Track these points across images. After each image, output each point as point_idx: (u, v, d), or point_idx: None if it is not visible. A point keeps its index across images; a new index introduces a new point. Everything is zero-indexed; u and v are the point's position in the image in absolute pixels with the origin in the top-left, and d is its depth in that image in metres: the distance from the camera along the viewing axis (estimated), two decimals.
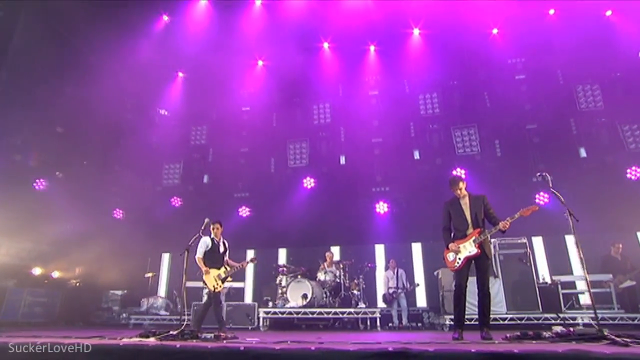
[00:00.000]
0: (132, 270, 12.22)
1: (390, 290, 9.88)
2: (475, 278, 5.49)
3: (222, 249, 6.55)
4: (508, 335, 4.90)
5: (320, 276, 9.10)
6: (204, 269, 6.31)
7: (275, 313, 8.24)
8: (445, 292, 9.28)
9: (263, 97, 13.17)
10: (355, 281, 9.15)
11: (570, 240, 11.17)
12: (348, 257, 10.13)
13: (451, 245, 5.49)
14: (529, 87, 11.42)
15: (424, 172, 12.13)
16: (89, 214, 11.72)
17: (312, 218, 11.54)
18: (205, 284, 6.26)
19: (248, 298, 10.75)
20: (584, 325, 7.87)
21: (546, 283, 8.87)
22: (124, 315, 10.10)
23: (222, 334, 5.03)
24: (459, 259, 5.46)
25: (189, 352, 3.20)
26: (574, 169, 11.07)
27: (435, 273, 10.20)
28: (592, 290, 8.67)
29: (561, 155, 11.17)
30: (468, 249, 5.43)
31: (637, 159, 10.61)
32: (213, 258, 6.41)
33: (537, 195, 11.41)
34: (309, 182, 12.47)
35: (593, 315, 7.83)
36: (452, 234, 5.68)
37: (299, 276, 8.91)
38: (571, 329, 4.62)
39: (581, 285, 9.20)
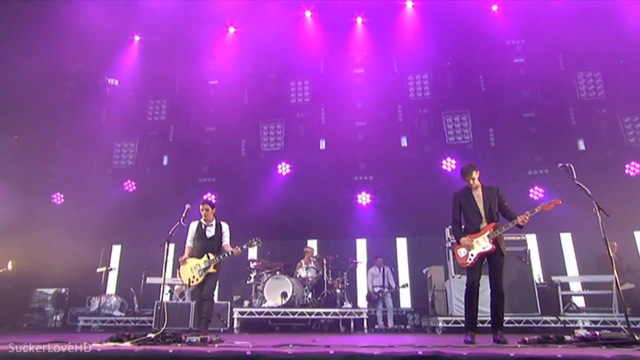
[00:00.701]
0: (75, 264, 11.45)
1: (376, 289, 9.77)
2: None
3: (211, 234, 6.11)
4: (527, 339, 4.77)
5: (301, 272, 8.90)
6: (181, 258, 5.96)
7: (252, 314, 7.97)
8: (436, 292, 9.32)
9: (234, 69, 12.64)
10: (339, 279, 9.00)
11: (565, 238, 11.41)
12: (327, 253, 9.91)
13: (463, 240, 5.43)
14: (528, 71, 11.46)
15: (412, 161, 12.06)
16: (21, 198, 10.84)
17: (286, 208, 11.28)
18: (180, 278, 5.96)
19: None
20: (585, 328, 7.97)
21: (544, 284, 8.95)
22: (57, 317, 9.59)
23: (207, 337, 4.71)
24: (472, 255, 5.41)
25: (187, 358, 2.81)
26: (572, 162, 10.65)
27: (424, 271, 10.26)
28: (592, 293, 9.04)
29: (559, 147, 11.26)
30: (482, 244, 5.39)
31: (636, 153, 10.87)
32: (199, 245, 6.03)
33: (531, 190, 11.56)
34: (284, 168, 12.17)
35: (594, 319, 8.10)
36: (463, 228, 5.61)
37: (278, 272, 8.67)
38: (597, 332, 4.52)
39: (578, 287, 9.33)
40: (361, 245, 11.95)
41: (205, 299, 5.91)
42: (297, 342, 4.24)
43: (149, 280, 9.01)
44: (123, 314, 8.84)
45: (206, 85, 12.89)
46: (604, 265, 9.18)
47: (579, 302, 9.42)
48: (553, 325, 7.96)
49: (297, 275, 8.80)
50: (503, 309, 5.32)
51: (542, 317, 8.11)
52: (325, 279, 8.78)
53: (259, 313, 7.94)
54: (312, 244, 11.84)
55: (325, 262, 8.99)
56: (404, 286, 9.61)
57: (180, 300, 8.75)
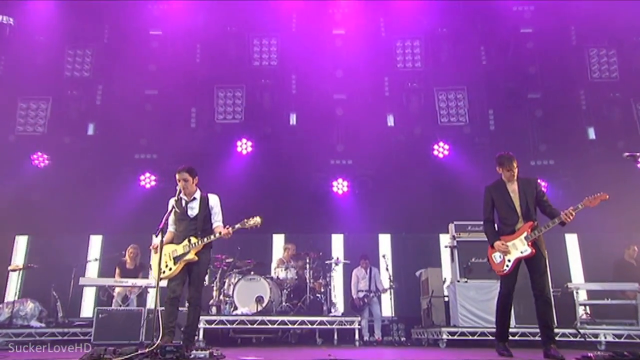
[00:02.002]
0: None
1: (361, 294, 9.66)
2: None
3: (194, 212, 5.59)
4: (591, 355, 4.62)
5: (280, 273, 8.62)
6: (153, 245, 5.46)
7: (222, 323, 7.53)
8: (433, 299, 9.28)
9: (183, 18, 11.82)
10: (320, 281, 8.84)
11: (571, 240, 11.73)
12: (298, 249, 9.65)
13: (498, 245, 5.54)
14: (536, 44, 11.50)
15: (399, 144, 11.96)
16: None
17: (247, 195, 10.81)
18: (151, 269, 5.65)
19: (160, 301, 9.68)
20: (607, 343, 8.13)
21: (557, 290, 9.07)
22: None
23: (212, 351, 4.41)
24: (509, 261, 5.52)
25: None
26: (581, 153, 11.51)
27: (418, 274, 10.23)
28: (612, 302, 9.29)
29: (567, 136, 11.53)
30: (519, 248, 5.49)
31: None
32: (180, 229, 5.53)
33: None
34: (244, 146, 11.70)
35: (617, 332, 8.27)
36: (497, 228, 5.74)
37: (252, 272, 8.36)
38: None
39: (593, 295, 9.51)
40: (337, 241, 11.78)
41: (190, 304, 5.41)
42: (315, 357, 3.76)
43: (83, 281, 8.19)
44: (43, 325, 7.99)
45: (146, 35, 11.87)
46: (621, 272, 9.49)
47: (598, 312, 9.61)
48: (572, 339, 8.04)
49: (277, 277, 8.52)
50: (553, 318, 5.49)
51: (560, 330, 8.10)
52: (308, 281, 8.58)
53: (231, 322, 7.53)
54: (278, 238, 11.66)
55: (308, 260, 8.77)
56: (390, 288, 9.48)
57: (124, 306, 8.14)
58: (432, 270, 9.72)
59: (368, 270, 9.90)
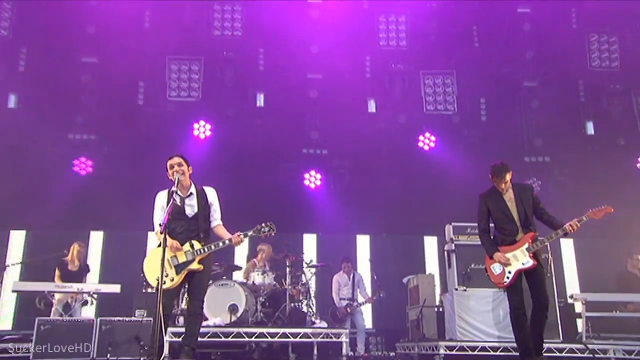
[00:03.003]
0: None
1: (344, 303, 9.60)
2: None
3: (192, 210, 5.40)
4: None
5: (256, 278, 8.46)
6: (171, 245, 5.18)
7: None
8: (425, 309, 9.24)
9: None
10: (299, 287, 8.80)
11: (566, 246, 11.96)
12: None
13: (498, 255, 5.85)
14: (534, 26, 11.58)
15: (380, 133, 11.93)
16: None
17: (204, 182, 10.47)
18: (144, 277, 5.36)
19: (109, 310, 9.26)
20: None
21: (560, 301, 9.15)
22: None
23: None
24: (509, 272, 5.83)
25: None
26: (579, 150, 11.81)
27: (405, 280, 10.24)
28: (620, 315, 9.49)
29: (564, 130, 11.77)
30: (520, 259, 5.84)
31: None
32: (176, 227, 5.27)
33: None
34: (202, 129, 11.43)
35: (627, 348, 8.41)
36: (493, 238, 6.12)
37: (224, 277, 8.40)
38: None
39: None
40: (310, 242, 11.76)
41: (191, 314, 5.30)
42: None
43: (17, 286, 7.70)
44: None
45: None
46: (624, 284, 9.65)
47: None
48: (580, 354, 8.07)
49: (251, 282, 8.37)
50: (544, 326, 5.87)
51: (566, 345, 8.23)
52: (287, 287, 8.54)
53: (203, 334, 7.23)
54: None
55: (288, 264, 8.69)
56: (378, 296, 9.52)
57: (67, 317, 7.72)
58: (423, 276, 9.72)
59: (351, 276, 9.84)
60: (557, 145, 11.85)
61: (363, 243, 11.85)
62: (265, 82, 11.84)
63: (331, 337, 7.92)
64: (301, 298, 8.73)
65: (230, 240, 5.35)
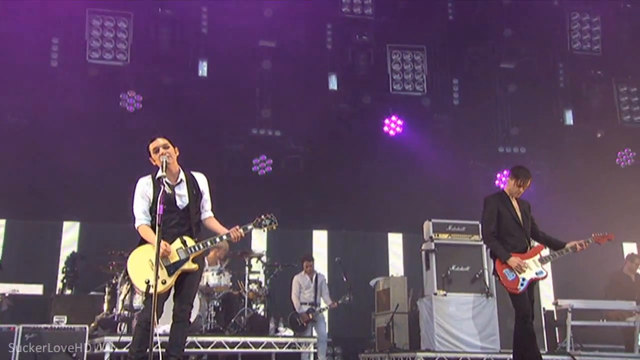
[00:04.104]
0: None
1: (305, 308, 9.58)
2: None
3: (183, 201, 5.24)
4: None
5: (210, 279, 8.25)
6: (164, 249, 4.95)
7: None
8: (397, 315, 9.30)
9: None
10: (256, 289, 8.70)
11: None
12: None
13: (514, 261, 6.12)
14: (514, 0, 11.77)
15: (342, 114, 11.88)
16: None
17: (134, 168, 9.86)
18: (131, 280, 5.26)
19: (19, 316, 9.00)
20: None
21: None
22: None
23: None
24: (523, 279, 6.14)
25: None
26: (556, 141, 12.11)
27: (372, 283, 10.29)
28: (609, 324, 9.66)
29: (542, 118, 12.06)
30: (534, 269, 6.24)
31: (630, 136, 12.04)
32: (165, 220, 4.94)
33: (499, 175, 12.17)
34: (131, 100, 10.85)
35: None
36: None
37: None
38: None
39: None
40: (258, 237, 11.66)
41: (178, 321, 5.15)
42: None
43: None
44: None
45: None
46: (616, 288, 9.89)
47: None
48: None
49: (205, 283, 8.12)
50: None
51: (552, 357, 8.42)
52: (244, 289, 8.45)
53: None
54: None
55: (247, 263, 8.59)
56: (350, 298, 9.45)
57: None
58: (394, 279, 9.78)
59: (314, 277, 9.81)
60: (534, 135, 12.09)
61: (320, 239, 11.98)
62: (208, 48, 11.39)
63: (298, 347, 7.92)
64: (259, 302, 8.69)
65: (228, 235, 5.21)
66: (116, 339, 7.18)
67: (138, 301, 7.85)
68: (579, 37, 11.97)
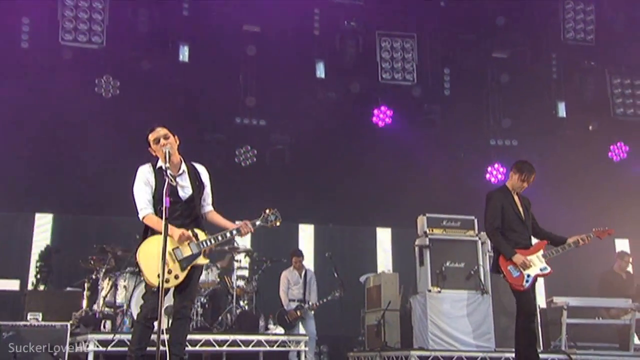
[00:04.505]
0: None
1: (293, 305, 9.55)
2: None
3: (187, 191, 5.23)
4: None
5: None
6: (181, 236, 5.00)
7: (123, 343, 6.93)
8: (388, 313, 9.21)
9: None
10: (243, 285, 8.74)
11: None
12: None
13: (519, 258, 6.23)
14: None
15: (329, 104, 11.79)
16: None
17: (111, 159, 10.53)
18: (141, 273, 5.17)
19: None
20: None
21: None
22: None
23: None
24: (528, 276, 6.27)
25: None
26: (549, 134, 12.12)
27: (362, 279, 10.32)
28: (605, 322, 9.72)
29: (534, 110, 12.07)
30: (538, 265, 6.37)
31: (623, 130, 12.12)
32: (170, 212, 4.87)
33: (490, 168, 12.24)
34: (106, 85, 10.73)
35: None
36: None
37: None
38: None
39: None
40: None
41: (180, 317, 5.17)
42: None
43: None
44: None
45: None
46: (607, 287, 9.99)
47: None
48: None
49: None
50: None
51: (549, 355, 8.42)
52: (232, 286, 8.50)
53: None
54: None
55: (235, 258, 8.71)
56: (339, 294, 9.43)
57: None
58: (385, 275, 9.72)
59: (303, 273, 9.79)
60: (527, 127, 12.06)
61: (306, 234, 11.94)
62: (190, 32, 11.28)
63: (289, 346, 7.88)
64: (246, 298, 8.64)
65: (238, 230, 5.24)
66: (101, 337, 7.11)
67: (121, 297, 7.85)
68: (572, 26, 11.94)
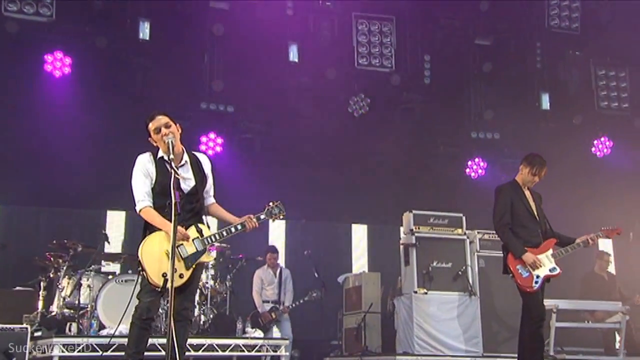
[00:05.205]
0: None
1: (268, 306, 9.66)
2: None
3: (190, 183, 5.18)
4: None
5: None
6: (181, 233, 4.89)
7: (91, 349, 7.09)
8: (369, 315, 9.25)
9: None
10: (217, 286, 8.77)
11: None
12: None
13: (529, 257, 6.23)
14: None
15: (302, 90, 11.66)
16: None
17: (62, 149, 10.37)
18: (144, 272, 4.96)
19: None
20: None
21: None
22: None
23: None
24: (537, 277, 6.27)
25: None
26: (532, 127, 12.11)
27: (340, 279, 10.37)
28: (594, 326, 9.82)
29: (518, 101, 12.08)
30: (547, 265, 6.37)
31: (607, 124, 12.23)
32: (170, 207, 4.83)
33: (470, 162, 12.27)
34: (58, 64, 10.35)
35: None
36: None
37: (130, 271, 8.33)
38: None
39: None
40: (212, 226, 11.01)
41: (181, 319, 5.00)
42: None
43: None
44: None
45: None
46: (590, 289, 10.15)
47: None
48: None
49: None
50: None
51: None
52: (206, 286, 8.48)
53: (105, 347, 7.02)
54: (118, 218, 11.50)
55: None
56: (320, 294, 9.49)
57: None
58: (367, 275, 9.73)
59: (278, 272, 9.83)
60: (509, 120, 11.98)
61: (277, 230, 11.89)
62: (151, 7, 10.87)
63: (268, 350, 7.95)
64: (219, 299, 8.71)
65: (243, 225, 5.19)
66: (67, 340, 7.02)
67: (85, 298, 7.80)
68: (557, 13, 11.96)
